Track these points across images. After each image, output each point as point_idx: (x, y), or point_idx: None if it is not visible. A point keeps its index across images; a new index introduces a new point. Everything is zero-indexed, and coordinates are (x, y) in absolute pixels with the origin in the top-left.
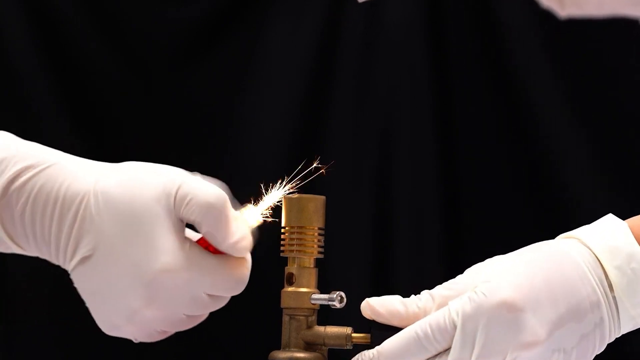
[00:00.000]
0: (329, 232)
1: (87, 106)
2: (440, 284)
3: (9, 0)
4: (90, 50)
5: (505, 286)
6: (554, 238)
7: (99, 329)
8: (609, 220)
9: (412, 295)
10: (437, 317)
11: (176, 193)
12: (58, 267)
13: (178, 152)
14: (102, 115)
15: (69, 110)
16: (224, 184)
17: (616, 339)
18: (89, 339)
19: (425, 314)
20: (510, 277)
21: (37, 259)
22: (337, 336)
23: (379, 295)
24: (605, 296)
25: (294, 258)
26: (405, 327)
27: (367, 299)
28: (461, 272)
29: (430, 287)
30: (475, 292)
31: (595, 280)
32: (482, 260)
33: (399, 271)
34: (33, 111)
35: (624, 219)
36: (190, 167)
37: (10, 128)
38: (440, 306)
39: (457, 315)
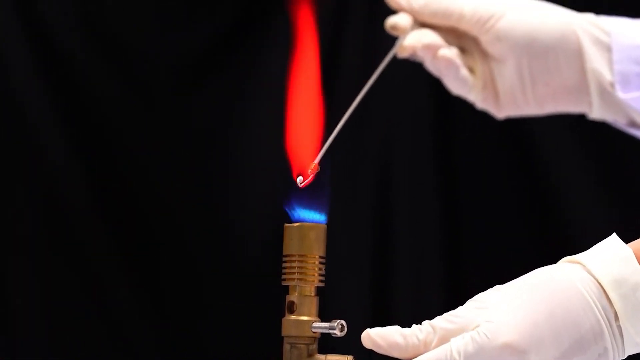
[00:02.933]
0: (329, 259)
1: (89, 128)
2: (440, 309)
3: (11, 23)
4: (92, 74)
5: (507, 328)
6: (553, 253)
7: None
8: (613, 245)
9: (413, 325)
10: (438, 355)
11: None
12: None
13: (179, 170)
14: (103, 136)
15: (71, 134)
16: None
17: None
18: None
19: (425, 346)
20: (513, 315)
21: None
22: None
23: (380, 321)
24: (609, 326)
25: (295, 286)
26: (405, 358)
27: (367, 330)
28: (461, 297)
29: (430, 314)
30: (478, 333)
31: (599, 310)
32: (483, 286)
33: (399, 297)
34: (33, 130)
35: (625, 236)
36: (191, 184)
37: (10, 149)
38: (442, 339)
39: (459, 355)
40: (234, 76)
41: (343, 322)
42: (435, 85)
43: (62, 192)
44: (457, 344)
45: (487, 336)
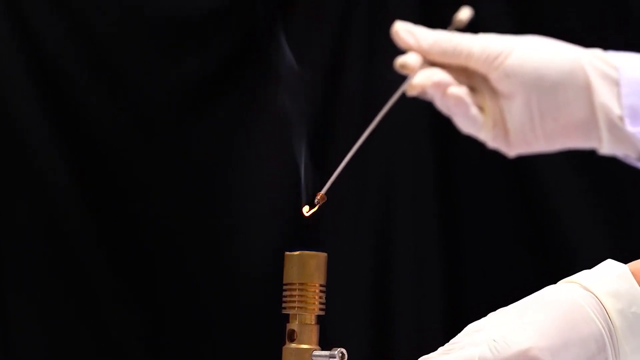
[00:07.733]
0: (330, 288)
1: (90, 155)
2: (441, 338)
3: (12, 54)
4: (93, 101)
5: (524, 337)
6: (553, 280)
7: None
8: (609, 264)
9: None
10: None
11: None
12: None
13: (179, 197)
14: (104, 163)
15: (72, 163)
16: None
17: None
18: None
19: None
20: (527, 327)
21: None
22: None
23: (380, 350)
24: (610, 339)
25: (295, 315)
26: None
27: None
28: (462, 326)
29: (431, 343)
30: (496, 340)
31: (602, 326)
32: (484, 315)
33: (399, 326)
34: (33, 156)
35: (622, 262)
36: (192, 211)
37: (11, 180)
38: None
39: None
40: (235, 104)
41: (343, 350)
42: (434, 116)
43: (62, 217)
44: (475, 352)
45: (506, 344)
